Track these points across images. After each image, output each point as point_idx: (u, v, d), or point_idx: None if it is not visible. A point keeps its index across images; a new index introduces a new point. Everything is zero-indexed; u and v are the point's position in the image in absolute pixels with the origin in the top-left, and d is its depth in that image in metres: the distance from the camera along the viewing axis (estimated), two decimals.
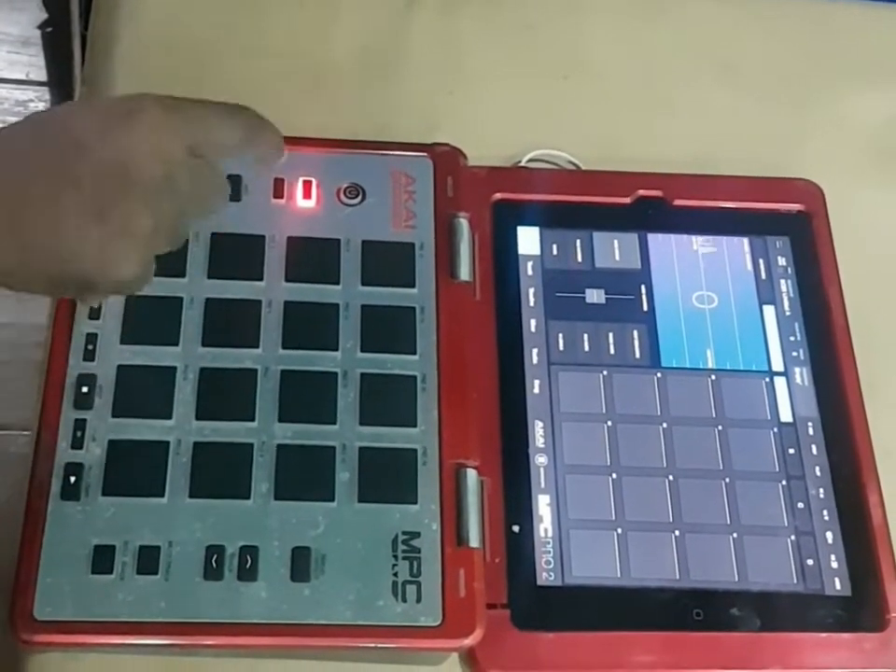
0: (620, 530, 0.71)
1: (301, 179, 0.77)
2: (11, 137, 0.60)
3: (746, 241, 0.80)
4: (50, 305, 0.74)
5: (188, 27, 0.85)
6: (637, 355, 0.76)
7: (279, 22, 0.87)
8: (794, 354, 0.76)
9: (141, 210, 0.59)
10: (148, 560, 0.65)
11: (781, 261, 0.79)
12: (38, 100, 1.77)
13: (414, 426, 0.70)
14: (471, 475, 0.70)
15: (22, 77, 1.78)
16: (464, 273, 0.75)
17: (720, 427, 0.74)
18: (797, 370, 0.76)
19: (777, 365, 0.76)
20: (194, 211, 0.63)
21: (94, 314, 0.71)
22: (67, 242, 0.58)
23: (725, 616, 0.69)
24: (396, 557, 0.67)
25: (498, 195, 0.79)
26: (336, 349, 0.72)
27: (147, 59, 0.84)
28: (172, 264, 0.72)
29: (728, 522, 0.71)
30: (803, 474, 0.73)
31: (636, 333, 0.76)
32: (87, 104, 0.63)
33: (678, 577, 0.70)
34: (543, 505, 0.71)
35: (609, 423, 0.73)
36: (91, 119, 0.60)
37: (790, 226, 0.81)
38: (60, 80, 1.68)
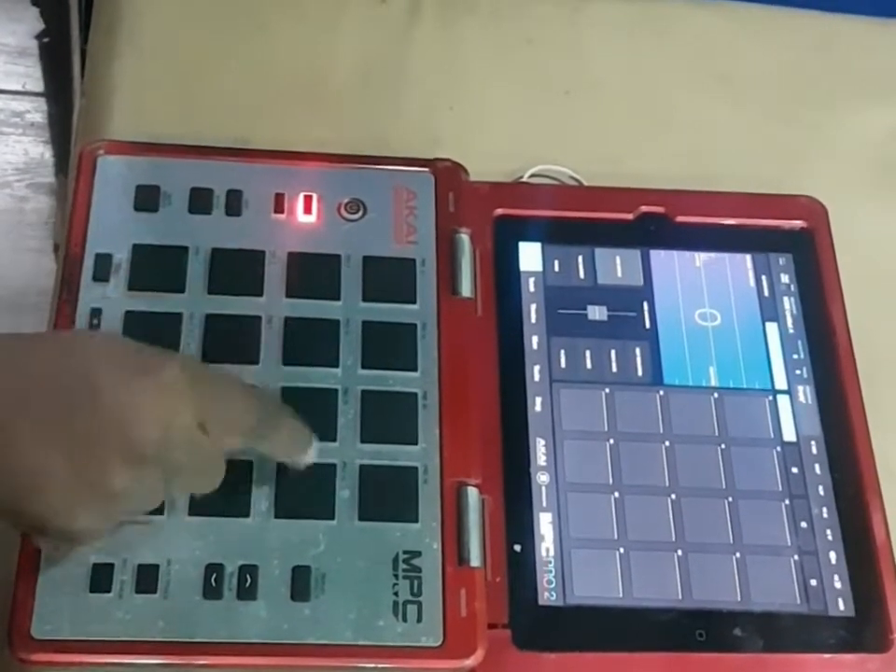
0: (622, 549, 0.70)
1: (301, 194, 0.76)
2: (30, 349, 0.58)
3: (748, 258, 0.79)
4: (48, 321, 0.73)
5: (188, 43, 0.85)
6: (640, 372, 0.75)
7: (279, 37, 0.86)
8: (797, 372, 0.76)
9: (120, 470, 0.57)
10: (147, 579, 0.64)
11: (784, 278, 0.79)
12: (35, 111, 1.76)
13: (415, 443, 0.70)
14: (473, 493, 0.69)
15: (19, 87, 1.78)
16: (465, 289, 0.75)
17: (722, 446, 0.73)
18: (800, 388, 0.76)
19: (781, 383, 0.76)
20: (181, 485, 0.62)
21: (94, 329, 0.71)
22: (35, 478, 0.56)
23: (728, 637, 0.68)
24: (396, 577, 0.66)
25: (500, 211, 0.79)
26: (337, 366, 0.71)
27: (146, 74, 0.83)
28: (171, 280, 0.73)
29: (731, 541, 0.71)
30: (806, 493, 0.73)
31: (638, 350, 0.76)
32: (111, 343, 0.61)
33: (680, 597, 0.69)
34: (545, 524, 0.70)
35: (612, 441, 0.73)
36: (111, 366, 0.58)
37: (792, 243, 0.80)
38: (56, 91, 1.68)
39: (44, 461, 0.56)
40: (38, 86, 1.75)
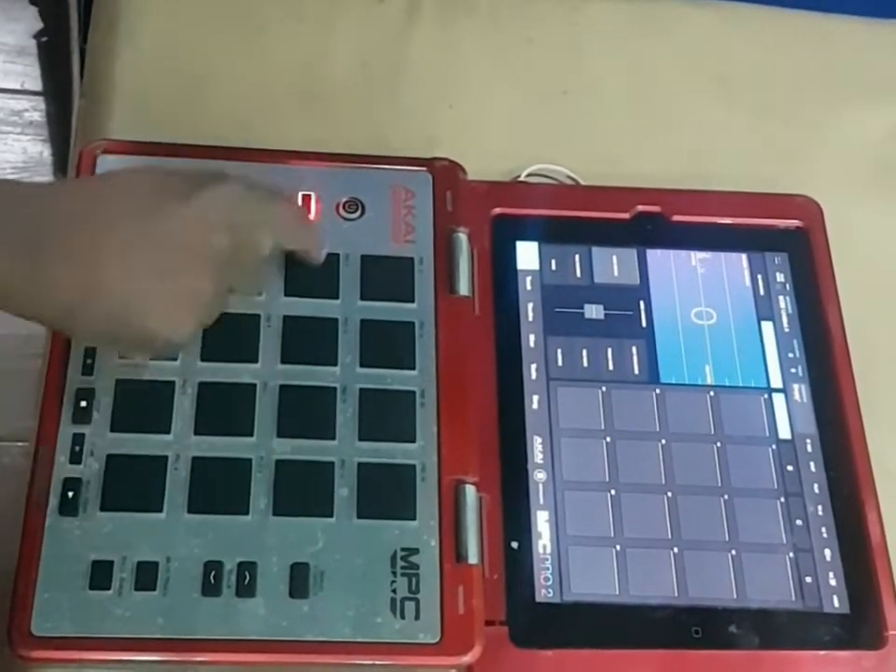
0: (618, 547, 0.70)
1: (300, 193, 0.77)
2: (85, 192, 0.63)
3: (744, 257, 0.80)
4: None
5: (186, 42, 0.85)
6: (636, 370, 0.75)
7: (278, 37, 0.87)
8: (793, 370, 0.76)
9: (206, 278, 0.62)
10: (147, 576, 0.65)
11: (780, 277, 0.79)
12: (33, 110, 1.76)
13: (413, 441, 0.70)
14: (470, 491, 0.69)
15: (17, 86, 1.78)
16: (463, 287, 0.75)
17: (718, 444, 0.74)
18: (796, 386, 0.76)
19: (776, 382, 0.76)
20: (244, 286, 0.67)
21: None
22: (134, 296, 0.60)
23: (724, 634, 0.69)
24: (394, 574, 0.67)
25: (498, 210, 0.79)
26: (335, 364, 0.72)
27: (145, 74, 0.84)
28: None
29: (727, 539, 0.71)
30: (801, 491, 0.73)
31: (634, 349, 0.76)
32: (166, 171, 0.65)
33: (676, 594, 0.69)
34: (542, 521, 0.71)
35: (608, 439, 0.73)
36: (169, 186, 0.62)
37: (788, 242, 0.81)
38: (55, 90, 1.68)
39: (142, 280, 0.60)
40: (37, 85, 1.75)
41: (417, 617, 0.66)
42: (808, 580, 0.71)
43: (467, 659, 0.66)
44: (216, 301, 0.64)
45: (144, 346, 0.64)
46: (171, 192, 0.62)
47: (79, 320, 0.60)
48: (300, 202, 0.76)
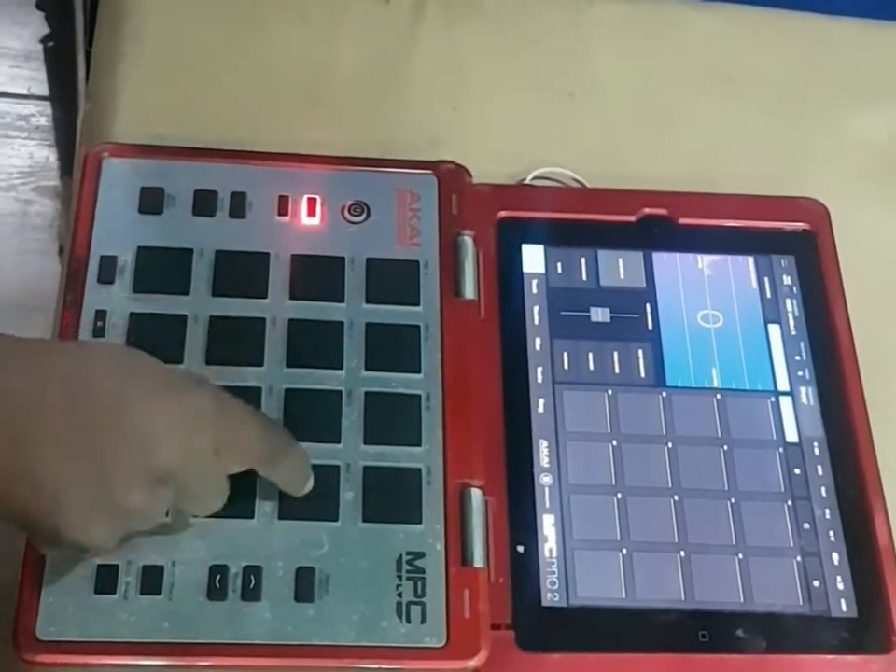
0: (625, 551, 0.70)
1: (305, 197, 0.77)
2: (54, 356, 0.58)
3: (751, 259, 0.80)
4: (53, 323, 0.74)
5: (191, 45, 0.85)
6: (643, 374, 0.75)
7: (282, 39, 0.87)
8: (800, 373, 0.76)
9: (138, 492, 0.57)
10: (152, 580, 0.65)
11: (786, 280, 0.79)
12: (40, 114, 1.77)
13: (419, 445, 0.70)
14: (476, 495, 0.69)
15: (24, 91, 1.78)
16: (468, 291, 0.75)
17: (725, 447, 0.73)
18: (803, 389, 0.76)
19: (783, 384, 0.76)
20: (186, 507, 0.63)
21: (98, 331, 0.71)
22: (54, 487, 0.56)
23: (731, 638, 0.69)
24: (400, 578, 0.66)
25: (503, 213, 0.79)
26: (340, 367, 0.72)
27: (151, 77, 0.83)
28: (176, 281, 0.73)
29: (734, 542, 0.71)
30: (808, 495, 0.73)
31: (640, 352, 0.76)
32: (143, 364, 0.60)
33: (683, 598, 0.69)
34: (548, 525, 0.70)
35: (614, 442, 0.73)
36: (139, 383, 0.58)
37: (795, 245, 0.80)
38: (61, 95, 1.68)
39: (64, 474, 0.56)
40: (43, 89, 1.75)
41: (423, 621, 0.66)
42: (816, 583, 0.70)
43: (473, 663, 0.65)
44: (146, 514, 0.60)
45: (53, 543, 0.60)
46: (137, 392, 0.58)
47: (4, 501, 0.56)
48: (305, 205, 0.76)
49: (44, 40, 1.65)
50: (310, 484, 0.67)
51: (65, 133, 1.66)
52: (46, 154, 1.76)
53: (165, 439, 0.57)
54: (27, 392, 0.56)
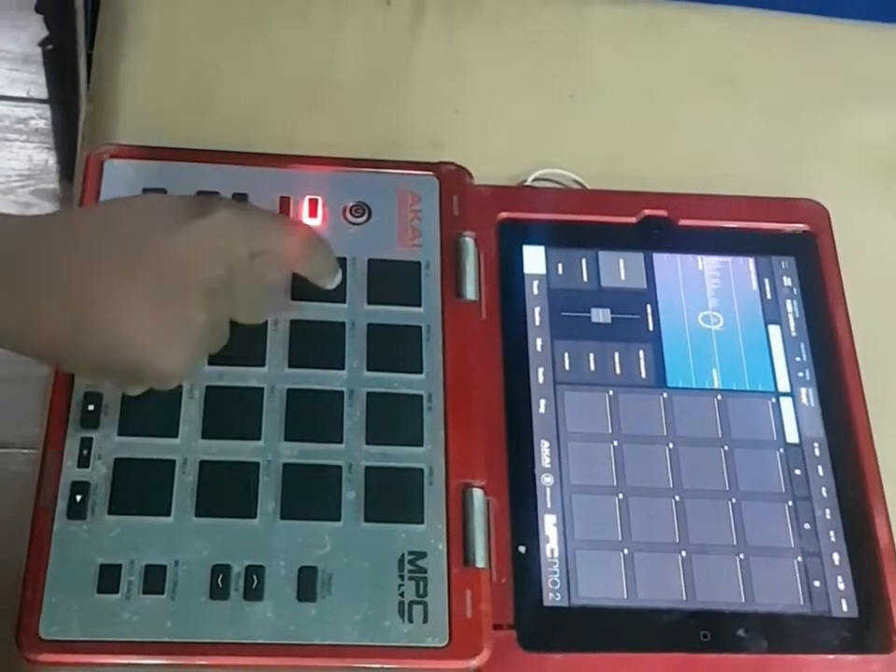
0: (626, 551, 0.70)
1: (306, 198, 0.77)
2: (73, 224, 0.62)
3: (751, 261, 0.80)
4: None
5: (193, 46, 0.86)
6: (643, 375, 0.75)
7: (284, 41, 0.87)
8: (800, 374, 0.76)
9: (199, 308, 0.60)
10: (154, 579, 0.65)
11: (787, 281, 0.79)
12: (39, 117, 1.77)
13: (421, 445, 0.70)
14: (478, 495, 0.69)
15: (23, 94, 1.78)
16: (470, 291, 0.75)
17: (726, 448, 0.74)
18: (803, 390, 0.76)
19: (783, 385, 0.76)
20: (244, 315, 0.65)
21: None
22: (124, 328, 0.59)
23: (732, 637, 0.69)
24: (402, 577, 0.67)
25: (504, 214, 0.79)
26: (342, 368, 0.72)
27: (152, 78, 0.84)
28: None
29: (734, 543, 0.71)
30: (809, 495, 0.73)
31: (641, 353, 0.76)
32: (158, 199, 0.65)
33: (684, 598, 0.69)
34: (550, 525, 0.70)
35: (616, 443, 0.73)
36: (160, 215, 0.61)
37: (795, 246, 0.81)
38: (60, 98, 1.69)
39: (131, 311, 0.59)
40: (42, 92, 1.76)
41: (425, 621, 0.66)
42: (816, 583, 0.70)
43: (475, 663, 0.65)
44: (211, 332, 0.62)
45: (138, 380, 0.63)
46: (162, 223, 0.61)
47: (71, 355, 0.60)
48: (306, 206, 0.76)
49: (43, 43, 1.65)
50: (339, 277, 0.70)
51: (65, 136, 1.66)
52: (45, 157, 1.76)
53: (202, 255, 0.60)
54: (72, 249, 0.59)
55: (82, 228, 0.61)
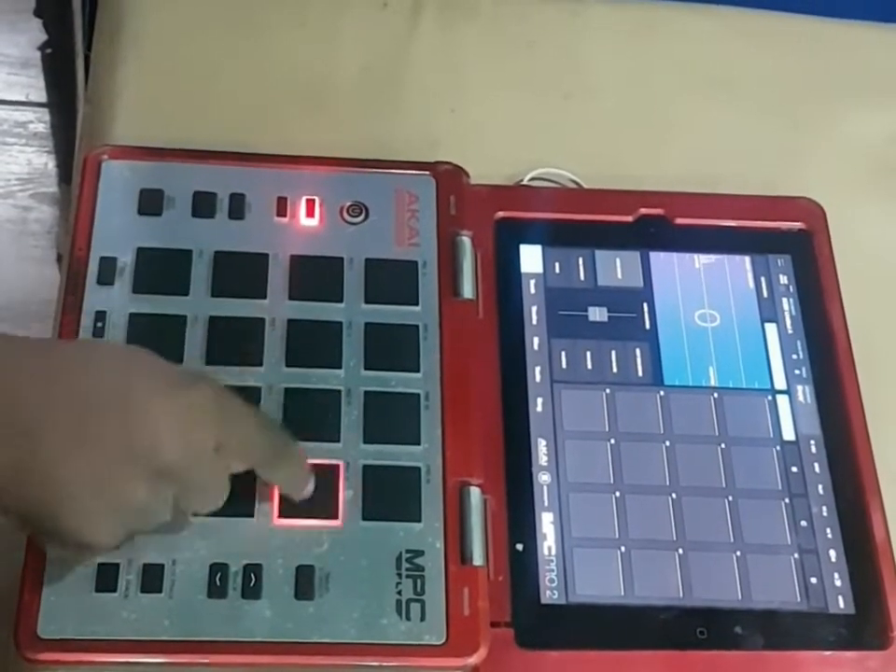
0: (623, 548, 0.70)
1: (303, 198, 0.77)
2: (48, 356, 0.59)
3: (747, 259, 0.80)
4: (53, 326, 0.74)
5: (190, 48, 0.86)
6: (640, 373, 0.76)
7: (281, 42, 0.87)
8: (797, 372, 0.76)
9: (142, 488, 0.58)
10: (152, 578, 0.65)
11: (783, 279, 0.80)
12: (38, 121, 1.77)
13: (418, 443, 0.70)
14: (475, 493, 0.69)
15: (22, 98, 1.78)
16: (467, 290, 0.76)
17: (722, 445, 0.74)
18: (800, 388, 0.76)
19: (780, 383, 0.76)
20: (188, 504, 0.62)
21: (98, 332, 0.71)
22: (57, 489, 0.56)
23: (729, 634, 0.69)
24: (400, 575, 0.67)
25: (501, 213, 0.79)
26: (339, 367, 0.72)
27: (150, 80, 0.84)
28: (175, 282, 0.73)
29: (731, 540, 0.71)
30: (805, 492, 0.73)
31: (638, 351, 0.76)
32: (143, 360, 0.61)
33: (681, 595, 0.69)
34: (547, 523, 0.71)
35: (612, 441, 0.73)
36: (142, 380, 0.59)
37: (791, 244, 0.81)
38: (59, 101, 1.68)
39: (69, 471, 0.56)
40: (41, 96, 1.76)
41: (423, 618, 0.66)
42: (813, 580, 0.71)
43: (472, 660, 0.66)
44: (150, 513, 0.60)
45: (56, 540, 0.60)
46: (133, 393, 0.58)
47: (8, 498, 0.57)
48: (303, 206, 0.77)
49: (42, 47, 1.65)
50: (310, 489, 0.67)
51: (63, 140, 1.66)
52: (44, 161, 1.76)
53: (166, 435, 0.58)
54: (32, 392, 0.57)
55: (54, 364, 0.58)
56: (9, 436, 0.56)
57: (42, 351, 0.59)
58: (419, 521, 0.68)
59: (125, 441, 0.57)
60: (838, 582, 0.71)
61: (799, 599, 0.70)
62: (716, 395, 0.75)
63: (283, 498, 0.67)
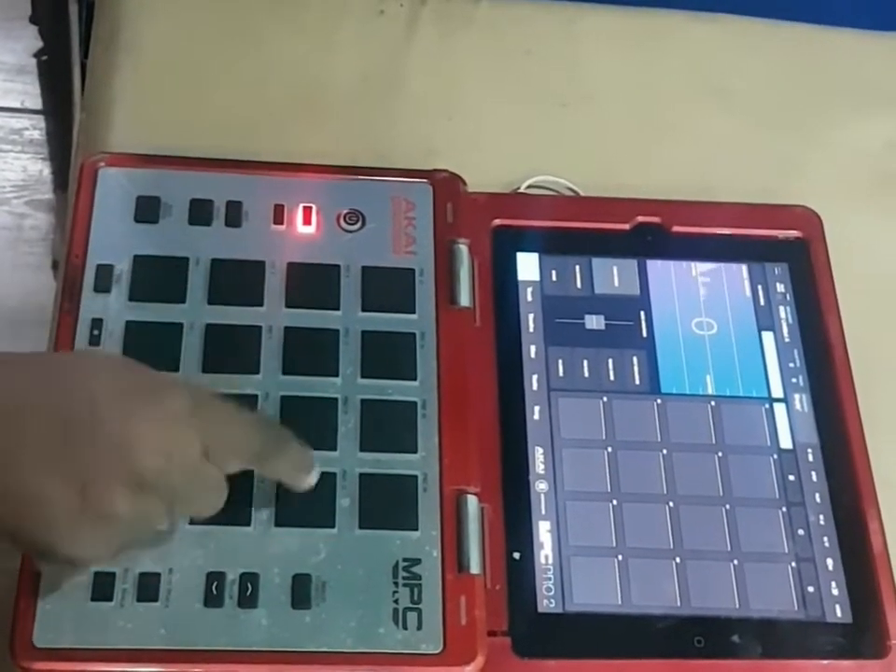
0: (620, 557, 0.70)
1: (300, 205, 0.77)
2: (30, 370, 0.58)
3: (744, 267, 0.80)
4: (49, 333, 0.74)
5: (186, 55, 0.86)
6: (637, 381, 0.75)
7: (278, 50, 0.87)
8: (794, 380, 0.76)
9: (122, 500, 0.56)
10: (148, 587, 0.65)
11: (780, 288, 0.80)
12: (33, 128, 1.77)
13: (415, 452, 0.70)
14: (472, 501, 0.69)
15: (17, 105, 1.78)
16: (464, 298, 0.75)
17: (719, 454, 0.74)
18: (797, 396, 0.76)
19: (777, 391, 0.76)
20: (183, 510, 0.62)
21: (94, 340, 0.71)
22: (35, 504, 0.56)
23: (726, 643, 0.69)
24: (396, 584, 0.67)
25: (498, 221, 0.79)
26: (336, 375, 0.72)
27: (146, 87, 0.84)
28: (172, 290, 0.73)
29: (728, 549, 0.71)
30: (803, 501, 0.73)
31: (635, 359, 0.76)
32: (114, 367, 0.60)
33: (678, 604, 0.69)
34: (544, 532, 0.70)
35: (610, 449, 0.73)
36: (112, 389, 0.57)
37: (788, 252, 0.81)
38: (55, 109, 1.69)
39: (47, 488, 0.56)
40: (37, 103, 1.76)
41: (420, 627, 0.66)
42: (810, 589, 0.70)
43: (469, 669, 0.65)
44: (134, 525, 0.58)
45: (46, 556, 0.59)
46: (112, 400, 0.57)
47: None
48: (300, 213, 0.77)
49: (37, 54, 1.65)
50: (313, 478, 0.66)
51: (59, 147, 1.67)
52: (40, 168, 1.76)
53: (143, 443, 0.57)
54: (7, 407, 0.56)
55: (24, 381, 0.57)
56: None
57: (13, 367, 0.58)
58: (416, 529, 0.68)
59: (99, 451, 0.56)
60: (835, 591, 0.71)
61: (796, 608, 0.70)
62: (713, 403, 0.75)
63: (280, 504, 0.67)
